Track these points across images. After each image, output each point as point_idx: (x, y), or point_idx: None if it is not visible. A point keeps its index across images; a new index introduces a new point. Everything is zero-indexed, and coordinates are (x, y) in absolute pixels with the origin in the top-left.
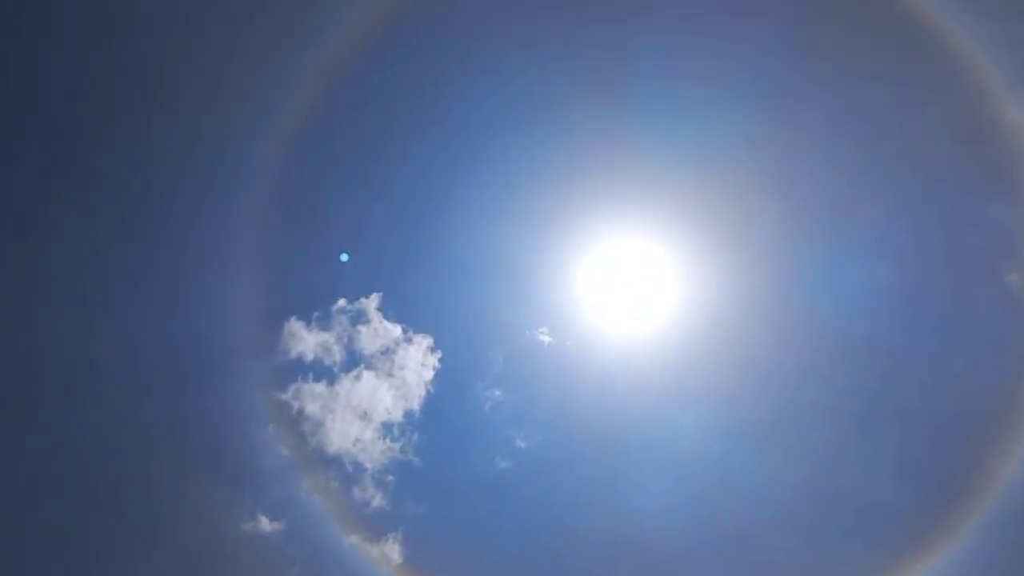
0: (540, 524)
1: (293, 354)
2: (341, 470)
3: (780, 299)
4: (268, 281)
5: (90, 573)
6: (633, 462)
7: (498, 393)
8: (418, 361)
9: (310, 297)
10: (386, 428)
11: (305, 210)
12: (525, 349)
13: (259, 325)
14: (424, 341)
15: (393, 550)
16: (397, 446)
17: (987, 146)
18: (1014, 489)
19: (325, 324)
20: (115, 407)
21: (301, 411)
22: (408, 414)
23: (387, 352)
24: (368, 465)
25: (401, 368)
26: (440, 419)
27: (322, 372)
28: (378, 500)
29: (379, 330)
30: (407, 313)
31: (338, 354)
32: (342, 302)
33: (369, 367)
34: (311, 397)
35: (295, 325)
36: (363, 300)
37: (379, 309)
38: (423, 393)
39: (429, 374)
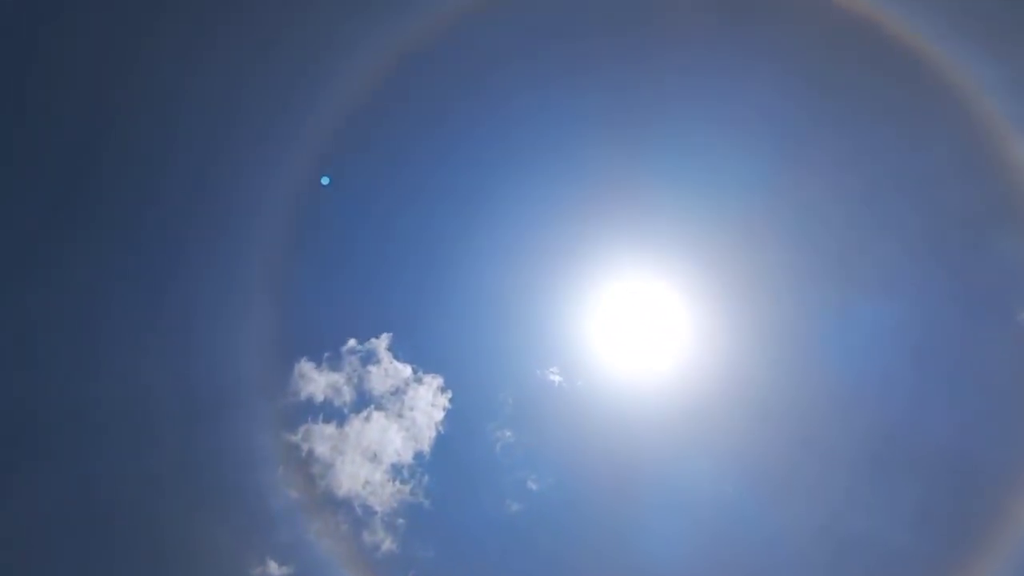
0: (552, 567)
1: (303, 395)
2: (351, 513)
3: (793, 340)
4: (278, 322)
5: None
6: (646, 505)
7: (509, 434)
8: (428, 401)
9: (320, 337)
10: (396, 470)
11: (315, 251)
12: (536, 389)
13: (269, 366)
14: (434, 381)
15: None
16: (407, 488)
17: (995, 185)
18: None
19: (335, 364)
20: (123, 449)
21: (311, 453)
22: (418, 455)
23: (397, 392)
24: (378, 508)
25: (411, 409)
26: (451, 461)
27: (332, 413)
28: (388, 544)
29: (389, 370)
30: (417, 353)
31: (348, 395)
32: (352, 342)
33: (379, 408)
34: (321, 438)
35: (305, 366)
36: (373, 340)
37: (389, 349)
38: (433, 434)
39: (439, 415)
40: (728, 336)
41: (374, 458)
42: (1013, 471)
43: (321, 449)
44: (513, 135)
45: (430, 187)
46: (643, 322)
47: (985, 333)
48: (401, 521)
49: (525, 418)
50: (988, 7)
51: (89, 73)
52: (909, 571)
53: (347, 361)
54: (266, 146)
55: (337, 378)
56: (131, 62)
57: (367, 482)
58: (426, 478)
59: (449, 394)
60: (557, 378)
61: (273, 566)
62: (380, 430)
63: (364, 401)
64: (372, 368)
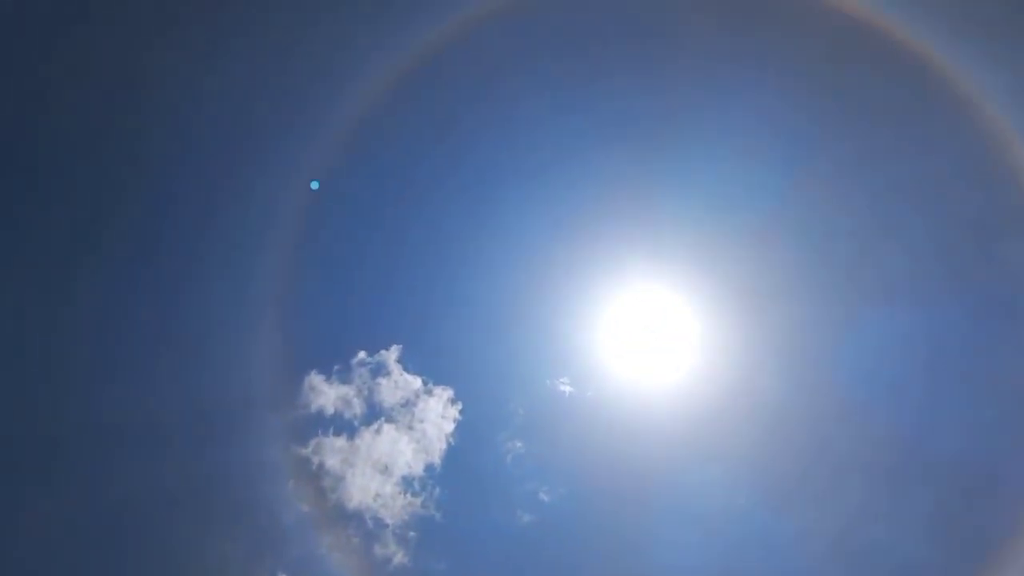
0: None
1: (313, 408)
2: (362, 526)
3: (804, 349)
4: (288, 335)
5: None
6: (659, 515)
7: (520, 445)
8: (439, 413)
9: (330, 350)
10: (407, 482)
11: (324, 263)
12: (547, 400)
13: (279, 379)
14: (445, 393)
15: None
16: (418, 501)
17: (1004, 191)
18: None
19: (345, 377)
20: (134, 464)
21: (321, 466)
22: (429, 467)
23: (407, 404)
24: (389, 521)
25: (422, 421)
26: (461, 472)
27: (342, 426)
28: (400, 557)
29: (399, 382)
30: (427, 365)
31: (358, 407)
32: (362, 354)
33: (389, 420)
34: (331, 451)
35: (315, 378)
36: (383, 352)
37: (399, 361)
38: (444, 446)
39: (450, 426)
40: (739, 345)
41: (385, 470)
42: None
43: (332, 462)
44: (523, 145)
45: (439, 197)
46: (654, 331)
47: (996, 340)
48: (412, 534)
49: (536, 429)
50: (993, 13)
51: (101, 92)
52: None
53: (357, 373)
54: (275, 158)
55: (347, 391)
56: (143, 78)
57: (378, 495)
58: (437, 490)
59: (459, 405)
60: (568, 388)
61: None
62: (391, 442)
63: (374, 413)
64: (382, 380)
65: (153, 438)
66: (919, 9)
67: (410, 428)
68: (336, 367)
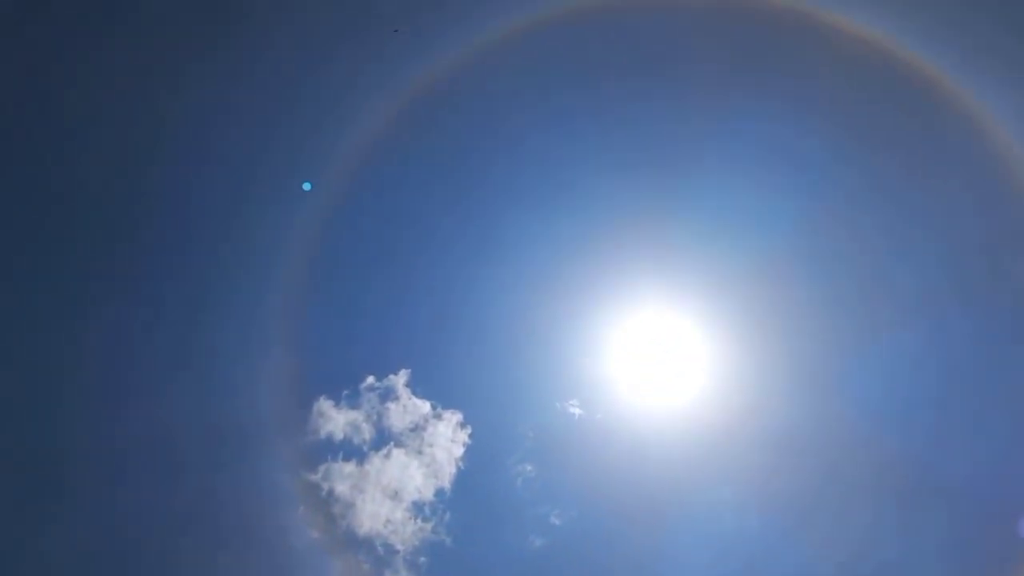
0: None
1: (322, 434)
2: (372, 552)
3: (814, 372)
4: (297, 360)
5: None
6: (670, 537)
7: (530, 468)
8: (448, 437)
9: (339, 375)
10: (417, 508)
11: (332, 288)
12: (556, 422)
13: (288, 405)
14: (454, 417)
15: None
16: (429, 526)
17: (1014, 214)
18: None
19: (354, 402)
20: (145, 490)
21: (331, 492)
22: (439, 492)
23: (417, 429)
24: (399, 547)
25: (431, 445)
26: (472, 497)
27: (351, 451)
28: None
29: (408, 407)
30: (436, 389)
31: (367, 432)
32: (371, 379)
33: (399, 445)
34: (341, 477)
35: (324, 404)
36: (392, 377)
37: (408, 385)
38: (454, 470)
39: (460, 450)
40: (748, 366)
41: (395, 496)
42: None
43: (341, 488)
44: (530, 170)
45: (446, 222)
46: (662, 353)
47: (1007, 363)
48: (423, 559)
49: (546, 452)
50: (1003, 39)
51: (116, 117)
52: None
53: (366, 398)
54: (286, 185)
55: (356, 416)
56: (156, 105)
57: (388, 520)
58: (447, 515)
59: (469, 429)
60: (577, 410)
61: None
62: (400, 467)
63: (383, 438)
64: (391, 405)
65: (162, 464)
66: (928, 34)
67: (420, 453)
68: (345, 392)
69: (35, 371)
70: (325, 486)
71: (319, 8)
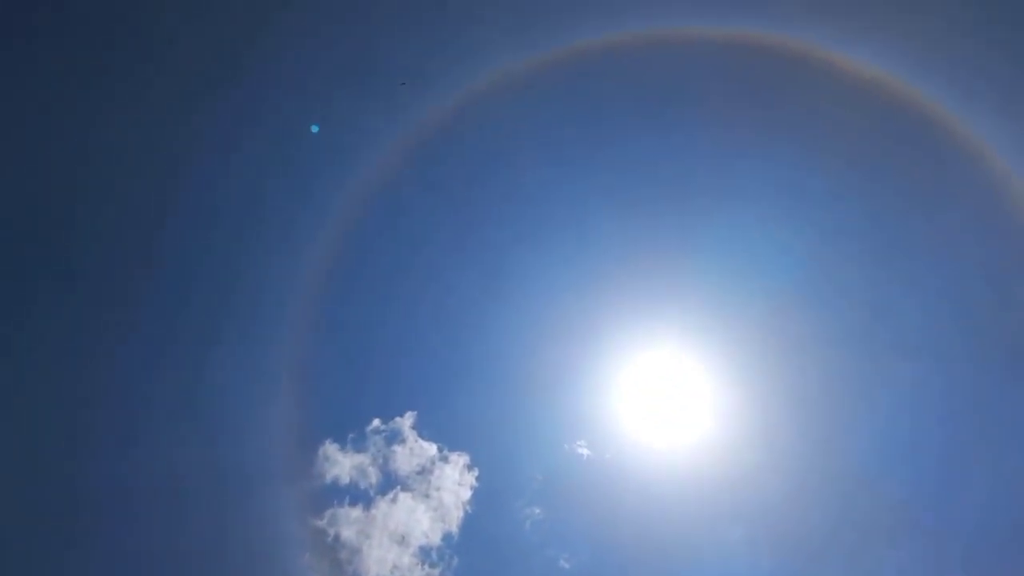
0: None
1: (328, 478)
2: None
3: (821, 410)
4: (303, 404)
5: None
6: None
7: (538, 511)
8: (455, 480)
9: (344, 418)
10: (424, 552)
11: (338, 330)
12: (564, 464)
13: (294, 449)
14: (461, 459)
15: None
16: (436, 572)
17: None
18: None
19: (360, 445)
20: (152, 535)
21: (337, 537)
22: (447, 537)
23: (423, 472)
24: None
25: (438, 488)
26: (480, 541)
27: (358, 496)
28: None
29: (414, 449)
30: (442, 431)
31: (373, 476)
32: (376, 422)
33: (405, 488)
34: (347, 522)
35: (330, 448)
36: (398, 419)
37: (414, 428)
38: (461, 514)
39: (467, 493)
40: (757, 406)
41: (402, 541)
42: None
43: (347, 533)
44: (536, 210)
45: (452, 264)
46: (671, 392)
47: (1014, 395)
48: None
49: (554, 494)
50: (1000, 72)
51: (123, 166)
52: None
53: (372, 441)
54: (290, 230)
55: (362, 459)
56: (164, 153)
57: (395, 566)
58: (455, 560)
59: (476, 472)
60: (585, 451)
61: None
62: (407, 511)
63: (390, 482)
64: (397, 448)
65: (169, 508)
66: (925, 69)
67: (426, 496)
68: (351, 435)
69: (42, 413)
70: (331, 531)
71: (326, 48)
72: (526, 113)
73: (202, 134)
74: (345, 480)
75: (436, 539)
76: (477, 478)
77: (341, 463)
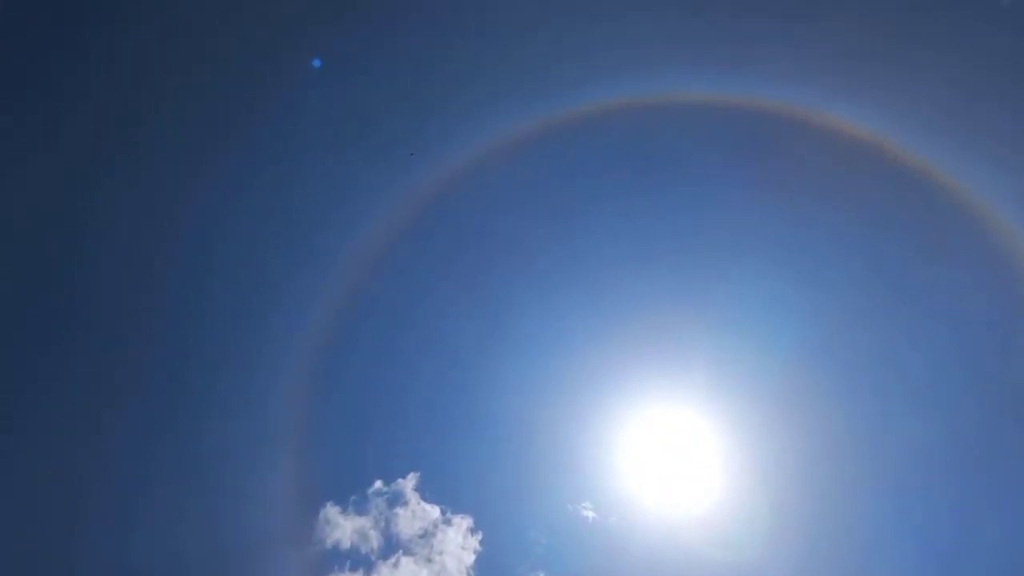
0: None
1: (329, 542)
2: None
3: (829, 468)
4: (304, 465)
5: None
6: None
7: (543, 575)
8: (458, 544)
9: (346, 480)
10: None
11: (339, 391)
12: (569, 526)
13: (295, 513)
14: (464, 522)
15: None
16: None
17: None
18: None
19: (361, 508)
20: None
21: None
22: None
23: (426, 535)
24: None
25: (441, 552)
26: None
27: (359, 560)
28: None
29: (417, 512)
30: (446, 493)
31: (375, 540)
32: (378, 484)
33: (407, 552)
34: None
35: (331, 510)
36: (400, 481)
37: (416, 489)
38: None
39: (470, 558)
40: (765, 467)
41: None
42: None
43: None
44: (537, 270)
45: (453, 323)
46: (677, 454)
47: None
48: None
49: (559, 557)
50: (996, 128)
51: (121, 245)
52: None
53: (373, 504)
54: (289, 293)
55: (363, 522)
56: (162, 220)
57: None
58: None
59: (479, 535)
60: (591, 514)
61: None
62: None
63: (392, 546)
64: (399, 510)
65: (168, 573)
66: (920, 128)
67: (429, 561)
68: (352, 497)
69: (40, 482)
70: None
71: (324, 112)
72: (526, 174)
73: (203, 198)
74: (346, 544)
75: None
76: (480, 542)
77: (342, 526)
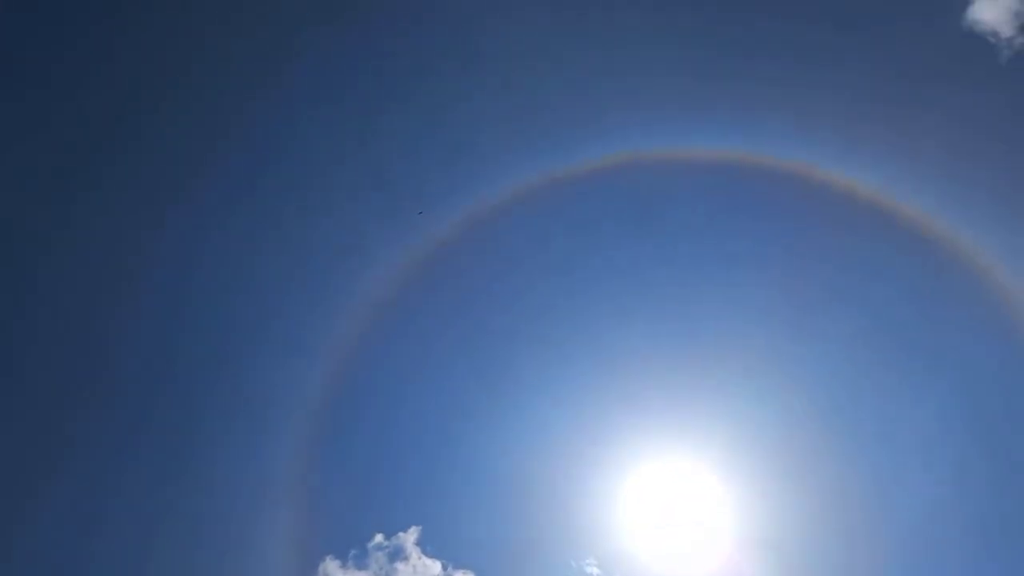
0: None
1: None
2: None
3: (834, 518)
4: (304, 518)
5: None
6: None
7: None
8: None
9: (346, 533)
10: None
11: (340, 444)
12: None
13: (293, 567)
14: None
15: None
16: None
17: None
18: None
19: (361, 562)
20: None
21: None
22: None
23: None
24: None
25: None
26: None
27: None
28: None
29: (418, 567)
30: (447, 547)
31: None
32: (379, 537)
33: None
34: None
35: (330, 564)
36: (401, 535)
37: (418, 544)
38: None
39: None
40: (771, 522)
41: None
42: None
43: None
44: (538, 327)
45: (455, 378)
46: (682, 509)
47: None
48: None
49: None
50: (991, 181)
51: (126, 282)
52: None
53: (374, 558)
54: (292, 344)
55: None
56: (168, 269)
57: None
58: None
59: None
60: (595, 570)
61: None
62: None
63: None
64: (400, 565)
65: None
66: (917, 183)
67: None
68: (352, 551)
69: (42, 534)
70: None
71: (327, 164)
72: (527, 234)
73: (214, 249)
74: None
75: None
76: None
77: None
